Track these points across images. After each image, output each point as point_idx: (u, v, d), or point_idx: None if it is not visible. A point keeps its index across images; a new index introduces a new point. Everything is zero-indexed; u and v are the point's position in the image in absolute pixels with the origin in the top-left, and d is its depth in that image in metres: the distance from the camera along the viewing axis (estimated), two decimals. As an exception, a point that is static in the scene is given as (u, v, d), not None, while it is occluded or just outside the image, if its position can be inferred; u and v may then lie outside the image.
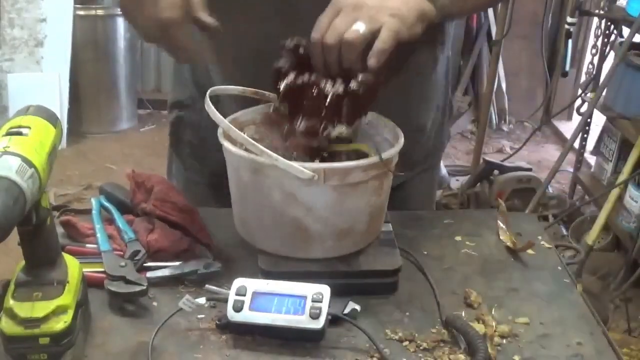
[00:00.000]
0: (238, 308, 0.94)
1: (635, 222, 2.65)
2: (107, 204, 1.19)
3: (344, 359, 0.93)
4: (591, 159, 3.53)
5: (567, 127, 4.30)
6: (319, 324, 0.93)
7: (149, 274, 1.04)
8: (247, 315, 0.94)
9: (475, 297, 1.06)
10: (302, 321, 0.93)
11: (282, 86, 1.03)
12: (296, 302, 0.94)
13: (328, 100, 0.99)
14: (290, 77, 1.03)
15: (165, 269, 1.06)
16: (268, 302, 0.95)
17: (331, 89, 1.00)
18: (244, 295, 0.95)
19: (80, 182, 3.29)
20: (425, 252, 1.19)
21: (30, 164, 0.74)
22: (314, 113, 1.02)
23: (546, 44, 3.87)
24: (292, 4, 1.11)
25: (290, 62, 1.05)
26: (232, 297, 0.95)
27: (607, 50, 3.20)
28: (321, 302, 0.94)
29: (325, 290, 0.95)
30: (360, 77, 0.99)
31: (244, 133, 1.10)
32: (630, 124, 2.83)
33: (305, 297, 0.94)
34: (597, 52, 3.24)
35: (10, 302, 0.83)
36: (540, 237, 1.25)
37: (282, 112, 1.07)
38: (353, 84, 0.99)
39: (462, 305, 1.06)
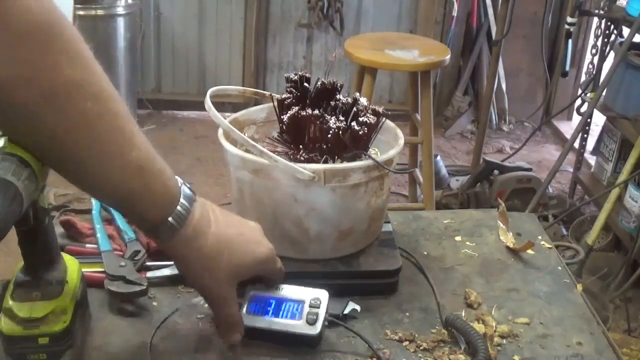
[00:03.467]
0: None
1: (635, 222, 2.65)
2: (107, 204, 1.19)
3: (345, 359, 0.93)
4: (591, 159, 3.53)
5: (567, 127, 4.30)
6: (315, 329, 0.92)
7: (149, 274, 1.04)
8: (245, 318, 0.93)
9: (475, 297, 1.06)
10: (299, 326, 0.92)
11: (285, 117, 1.05)
12: (294, 307, 0.94)
13: (329, 135, 1.00)
14: (294, 109, 1.04)
15: (165, 269, 1.06)
16: (265, 305, 0.94)
17: (333, 124, 1.01)
18: (242, 297, 0.94)
19: (80, 182, 3.29)
20: (425, 252, 1.19)
21: (26, 164, 0.74)
22: (315, 146, 1.03)
23: (546, 44, 3.87)
24: None
25: (293, 94, 1.08)
26: None
27: (607, 50, 3.20)
28: (318, 307, 0.93)
29: (323, 295, 0.95)
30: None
31: (244, 133, 1.10)
32: (630, 124, 2.83)
33: (303, 302, 0.94)
34: (597, 52, 3.24)
35: (10, 302, 0.83)
36: (540, 237, 1.25)
37: (285, 139, 1.08)
38: (354, 124, 1.01)
39: (462, 305, 1.06)
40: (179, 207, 0.81)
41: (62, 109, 0.70)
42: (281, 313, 0.93)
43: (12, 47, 0.65)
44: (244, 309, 0.93)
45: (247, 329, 0.93)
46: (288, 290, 0.96)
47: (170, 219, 0.80)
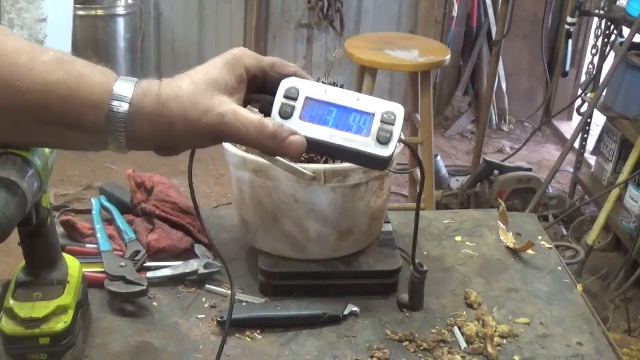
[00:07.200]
0: (286, 114, 0.75)
1: (635, 222, 2.65)
2: (107, 204, 1.19)
3: (345, 359, 0.93)
4: (591, 159, 3.53)
5: (567, 127, 4.30)
6: (387, 150, 0.75)
7: (149, 274, 1.04)
8: (298, 126, 0.75)
9: (475, 297, 1.06)
10: (366, 144, 0.75)
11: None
12: (360, 119, 0.76)
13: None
14: None
15: (165, 269, 1.06)
16: (325, 112, 0.76)
17: None
18: (295, 99, 0.76)
19: (80, 182, 3.28)
20: (425, 252, 1.19)
21: (30, 164, 0.74)
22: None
23: (546, 44, 3.87)
24: None
25: None
26: (278, 99, 0.76)
27: (607, 50, 3.19)
28: (393, 124, 0.76)
29: (398, 110, 0.77)
30: None
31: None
32: (630, 124, 2.83)
33: (372, 115, 0.76)
34: (597, 52, 3.24)
35: (11, 302, 0.83)
36: (540, 237, 1.25)
37: None
38: None
39: (462, 305, 1.06)
40: (116, 86, 0.71)
41: None
42: (344, 125, 0.75)
43: None
44: (297, 115, 0.75)
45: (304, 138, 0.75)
46: (352, 99, 0.77)
47: (111, 99, 0.69)
